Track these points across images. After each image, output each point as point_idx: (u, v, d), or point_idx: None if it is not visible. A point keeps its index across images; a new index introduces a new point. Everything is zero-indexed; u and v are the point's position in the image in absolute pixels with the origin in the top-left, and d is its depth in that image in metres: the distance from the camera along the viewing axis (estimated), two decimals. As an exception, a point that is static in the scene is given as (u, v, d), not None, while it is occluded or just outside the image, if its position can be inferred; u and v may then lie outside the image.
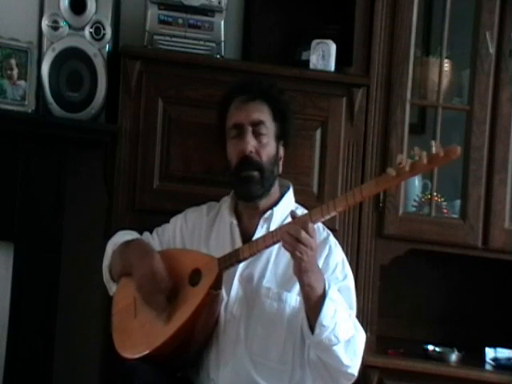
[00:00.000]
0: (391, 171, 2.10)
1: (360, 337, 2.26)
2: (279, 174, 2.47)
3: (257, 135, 2.40)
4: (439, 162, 2.08)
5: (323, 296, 2.17)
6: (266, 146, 2.40)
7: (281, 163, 2.48)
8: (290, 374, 2.33)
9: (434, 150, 2.06)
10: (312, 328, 2.18)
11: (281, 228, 2.24)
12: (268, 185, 2.40)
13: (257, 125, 2.40)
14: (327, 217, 2.20)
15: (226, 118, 2.45)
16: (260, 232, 2.40)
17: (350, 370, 2.24)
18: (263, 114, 2.42)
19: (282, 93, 2.52)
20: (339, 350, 2.19)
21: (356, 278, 2.79)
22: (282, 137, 2.46)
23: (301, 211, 2.46)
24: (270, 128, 2.42)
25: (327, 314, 2.16)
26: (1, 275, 2.95)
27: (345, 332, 2.19)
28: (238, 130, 2.41)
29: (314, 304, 2.17)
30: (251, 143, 2.38)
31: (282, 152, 2.48)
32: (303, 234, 2.12)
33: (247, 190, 2.40)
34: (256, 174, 2.38)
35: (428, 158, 2.07)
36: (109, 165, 2.85)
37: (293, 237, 2.13)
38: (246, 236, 2.40)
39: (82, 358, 2.97)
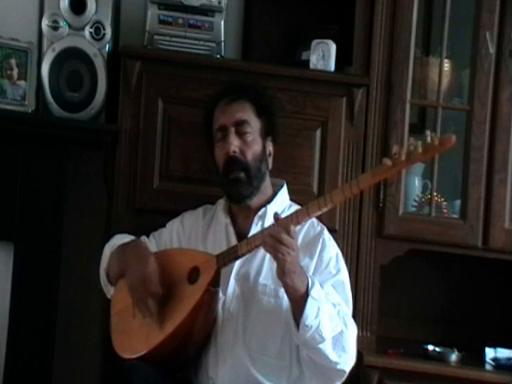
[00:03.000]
0: (387, 161, 2.10)
1: (350, 333, 2.26)
2: (268, 169, 2.47)
3: (241, 134, 2.41)
4: (434, 151, 2.08)
5: (306, 296, 2.17)
6: (251, 144, 2.41)
7: (270, 159, 2.48)
8: (289, 370, 2.34)
9: (428, 139, 2.07)
10: (298, 327, 2.19)
11: (264, 230, 2.25)
12: (256, 183, 2.41)
13: (240, 124, 2.41)
14: (324, 209, 2.20)
15: (213, 123, 2.47)
16: (255, 230, 2.40)
17: (339, 367, 2.24)
18: (246, 112, 2.42)
19: (265, 89, 2.52)
20: (326, 347, 2.20)
21: (356, 278, 2.81)
22: (269, 133, 2.46)
23: (294, 208, 2.47)
24: (254, 126, 2.42)
25: (310, 314, 2.17)
26: (1, 275, 2.95)
27: (330, 330, 2.20)
28: (222, 133, 2.43)
29: (297, 304, 2.19)
30: (234, 143, 2.39)
31: (271, 148, 2.48)
32: (284, 235, 2.13)
33: (236, 192, 2.41)
34: (242, 174, 2.39)
35: (423, 148, 2.07)
36: (109, 165, 2.85)
37: (274, 239, 2.14)
38: (241, 235, 2.41)
39: (82, 358, 2.97)
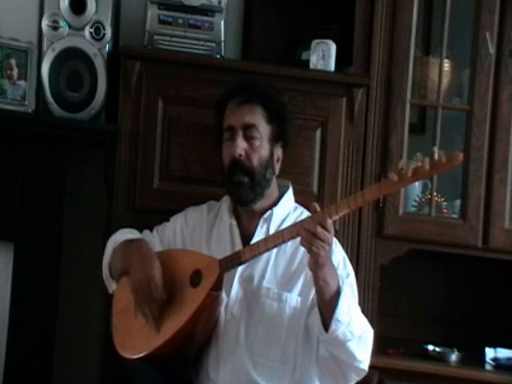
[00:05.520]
0: (393, 176, 2.10)
1: (370, 333, 2.27)
2: (275, 175, 2.46)
3: (248, 138, 2.39)
4: (441, 168, 2.08)
5: (338, 291, 2.16)
6: (258, 150, 2.39)
7: (278, 165, 2.46)
8: (291, 374, 2.33)
9: (436, 156, 2.06)
10: (326, 324, 2.18)
11: (295, 224, 2.23)
12: (259, 189, 2.39)
13: (248, 128, 2.39)
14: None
15: (223, 120, 2.45)
16: (260, 232, 2.40)
17: (362, 365, 2.24)
18: (255, 117, 2.40)
19: (279, 94, 2.51)
20: (353, 345, 2.19)
21: (356, 278, 2.79)
22: (278, 138, 2.44)
23: (300, 211, 2.47)
24: (262, 131, 2.40)
25: (343, 309, 2.15)
26: (1, 275, 2.95)
27: (359, 327, 2.20)
28: (230, 133, 2.41)
29: (328, 299, 2.17)
30: (241, 146, 2.38)
31: (279, 153, 2.47)
32: (319, 229, 2.11)
33: (238, 195, 2.40)
34: (246, 179, 2.37)
35: (430, 164, 2.07)
36: (109, 165, 2.85)
37: (309, 232, 2.12)
38: (246, 236, 2.41)
39: (82, 358, 2.97)
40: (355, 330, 2.18)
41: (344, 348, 2.19)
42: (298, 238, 2.18)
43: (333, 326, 2.15)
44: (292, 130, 2.51)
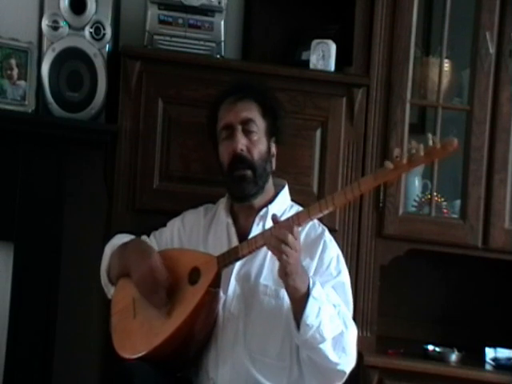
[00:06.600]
0: (389, 164, 2.11)
1: (350, 334, 2.26)
2: (272, 170, 2.48)
3: (247, 133, 2.41)
4: (436, 155, 2.09)
5: (307, 295, 2.17)
6: (257, 144, 2.41)
7: (274, 160, 2.49)
8: (289, 371, 2.33)
9: (430, 142, 2.07)
10: (299, 327, 2.19)
11: (265, 232, 2.25)
12: (261, 182, 2.41)
13: (246, 123, 2.41)
14: (325, 212, 2.21)
15: (217, 122, 2.47)
16: (255, 230, 2.41)
17: (339, 368, 2.24)
18: (252, 111, 2.43)
19: (271, 90, 2.52)
20: (326, 348, 2.20)
21: (356, 278, 2.81)
22: (273, 133, 2.47)
23: (296, 209, 2.48)
24: (260, 125, 2.43)
25: (311, 313, 2.17)
26: (1, 275, 2.95)
27: (331, 330, 2.20)
28: (228, 131, 2.42)
29: (298, 304, 2.18)
30: (242, 141, 2.39)
31: (274, 149, 2.49)
32: (290, 237, 2.12)
33: (241, 190, 2.40)
34: (249, 172, 2.38)
35: (425, 151, 2.08)
36: (109, 165, 2.85)
37: (279, 240, 2.13)
38: (242, 235, 2.41)
39: (82, 358, 2.97)
40: (326, 333, 2.18)
41: (316, 351, 2.21)
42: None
43: (301, 330, 2.18)
44: (285, 127, 2.52)
